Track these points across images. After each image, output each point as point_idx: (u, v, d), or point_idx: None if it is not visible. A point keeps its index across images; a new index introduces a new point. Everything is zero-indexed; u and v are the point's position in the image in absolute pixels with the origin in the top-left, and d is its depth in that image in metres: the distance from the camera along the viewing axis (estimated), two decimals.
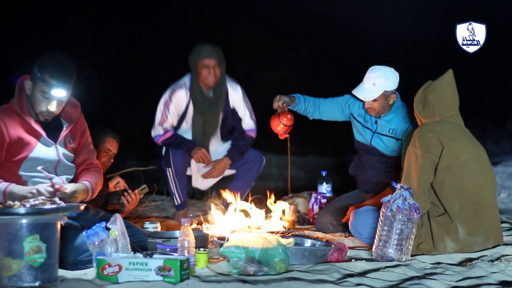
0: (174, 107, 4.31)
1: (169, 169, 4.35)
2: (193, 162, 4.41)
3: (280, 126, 4.00)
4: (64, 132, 2.90)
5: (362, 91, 3.74)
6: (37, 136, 2.81)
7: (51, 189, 2.63)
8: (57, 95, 2.75)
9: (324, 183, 4.56)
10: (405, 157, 3.11)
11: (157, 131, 4.35)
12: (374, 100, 3.74)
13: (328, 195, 4.45)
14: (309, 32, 9.27)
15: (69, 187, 2.73)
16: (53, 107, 2.77)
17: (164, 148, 4.42)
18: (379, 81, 3.69)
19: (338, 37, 8.75)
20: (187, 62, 4.34)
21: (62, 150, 2.88)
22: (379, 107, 3.77)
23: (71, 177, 2.94)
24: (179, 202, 4.41)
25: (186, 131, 4.41)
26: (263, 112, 4.49)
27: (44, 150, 2.82)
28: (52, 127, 2.86)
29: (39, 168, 2.74)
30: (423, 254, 2.94)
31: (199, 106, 4.32)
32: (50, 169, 2.83)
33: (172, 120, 4.34)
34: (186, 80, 4.34)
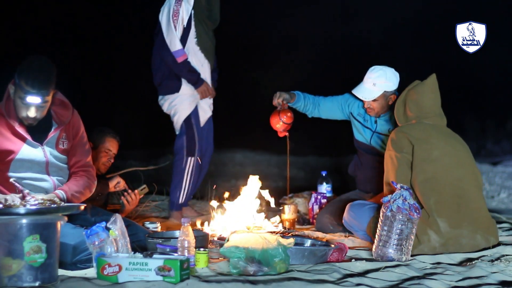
0: (183, 15, 4.31)
1: (191, 158, 4.32)
2: (200, 105, 4.46)
3: (280, 123, 4.00)
4: (52, 133, 2.87)
5: (362, 91, 3.75)
6: (23, 138, 2.80)
7: (18, 200, 2.55)
8: (32, 102, 2.71)
9: (324, 183, 4.56)
10: (384, 160, 3.15)
11: (177, 46, 4.30)
12: (374, 100, 3.75)
13: (328, 195, 4.45)
14: (309, 31, 9.27)
15: (39, 197, 2.62)
16: (32, 113, 2.74)
17: (185, 139, 4.38)
18: (380, 81, 3.69)
19: (339, 37, 8.76)
20: None
21: (50, 151, 2.86)
22: (379, 107, 3.78)
23: (63, 179, 2.92)
24: (183, 200, 4.40)
25: (192, 42, 4.39)
26: (263, 110, 4.49)
27: (30, 152, 2.80)
28: (39, 128, 2.84)
29: (11, 180, 2.70)
30: (421, 254, 2.94)
31: (200, 12, 4.38)
32: (41, 170, 2.83)
33: (180, 32, 4.33)
34: None
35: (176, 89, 4.40)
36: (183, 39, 4.35)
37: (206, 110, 4.57)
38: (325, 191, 4.47)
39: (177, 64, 4.32)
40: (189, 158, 4.34)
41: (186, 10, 4.32)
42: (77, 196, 2.85)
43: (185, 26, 4.34)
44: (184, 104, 4.42)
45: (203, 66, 4.44)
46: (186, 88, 4.40)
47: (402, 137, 3.08)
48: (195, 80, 4.36)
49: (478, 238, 2.98)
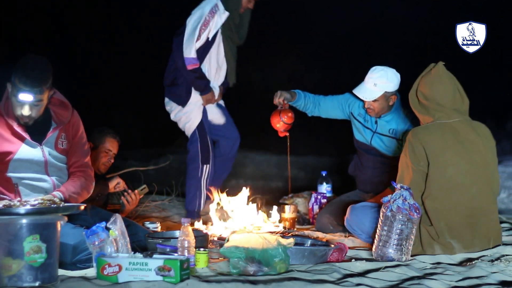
0: (211, 27, 4.35)
1: (207, 166, 4.35)
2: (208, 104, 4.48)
3: (280, 123, 4.00)
4: (50, 133, 2.88)
5: (363, 91, 3.74)
6: (21, 138, 2.80)
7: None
8: (24, 99, 2.71)
9: (324, 183, 4.56)
10: (399, 160, 3.09)
11: (192, 53, 4.32)
12: (375, 101, 3.74)
13: (328, 195, 4.44)
14: (310, 31, 9.27)
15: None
16: (26, 111, 2.74)
17: (199, 147, 4.41)
18: (381, 81, 3.68)
19: (339, 36, 8.75)
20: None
21: (49, 151, 2.86)
22: (379, 107, 3.78)
23: (62, 179, 2.92)
24: (201, 207, 4.42)
25: (214, 57, 4.46)
26: (263, 110, 4.50)
27: (29, 151, 2.80)
28: (38, 128, 2.84)
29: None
30: (421, 254, 2.93)
31: (228, 28, 4.44)
32: (40, 170, 2.83)
33: (202, 42, 4.36)
34: (217, 2, 4.40)
35: (182, 102, 4.44)
36: (205, 51, 4.39)
37: (215, 109, 4.58)
38: (325, 191, 4.47)
39: (186, 70, 4.34)
40: (205, 166, 4.38)
41: (215, 24, 4.36)
42: (75, 197, 2.85)
43: (209, 39, 4.38)
44: (195, 111, 4.44)
45: (216, 79, 4.50)
46: (194, 98, 4.43)
47: (420, 148, 2.95)
48: (203, 87, 4.39)
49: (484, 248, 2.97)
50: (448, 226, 2.91)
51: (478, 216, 2.94)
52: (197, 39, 4.32)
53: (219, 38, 4.42)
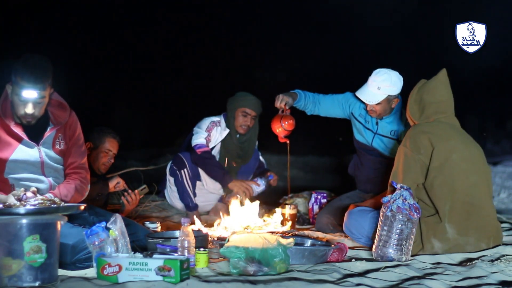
0: (212, 138, 4.41)
1: (184, 170, 4.37)
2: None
3: (280, 129, 4.00)
4: (48, 133, 2.87)
5: (366, 94, 3.72)
6: (18, 138, 2.80)
7: (14, 200, 2.48)
8: (29, 97, 2.71)
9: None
10: (396, 155, 3.10)
11: (201, 140, 4.35)
12: (377, 103, 3.73)
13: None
14: (310, 32, 9.27)
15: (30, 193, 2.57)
16: (29, 109, 2.74)
17: (174, 157, 4.45)
18: (384, 85, 3.67)
19: (339, 37, 8.75)
20: (186, 63, 4.34)
21: (46, 151, 2.86)
22: (381, 110, 3.77)
23: (59, 179, 2.91)
24: (194, 203, 4.46)
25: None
26: (264, 111, 4.50)
27: (25, 152, 2.80)
28: (35, 129, 2.84)
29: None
30: (421, 254, 2.93)
31: (229, 148, 4.44)
32: (36, 171, 2.83)
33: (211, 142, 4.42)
34: (220, 119, 4.46)
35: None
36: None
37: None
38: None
39: (197, 156, 4.33)
40: (182, 171, 4.40)
41: (215, 137, 4.41)
42: (67, 201, 2.82)
43: (212, 145, 4.42)
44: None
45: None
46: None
47: (423, 138, 2.99)
48: (220, 177, 4.31)
49: (482, 246, 2.97)
50: (450, 209, 2.94)
51: (477, 207, 2.96)
52: (208, 137, 4.37)
53: (218, 154, 4.45)
